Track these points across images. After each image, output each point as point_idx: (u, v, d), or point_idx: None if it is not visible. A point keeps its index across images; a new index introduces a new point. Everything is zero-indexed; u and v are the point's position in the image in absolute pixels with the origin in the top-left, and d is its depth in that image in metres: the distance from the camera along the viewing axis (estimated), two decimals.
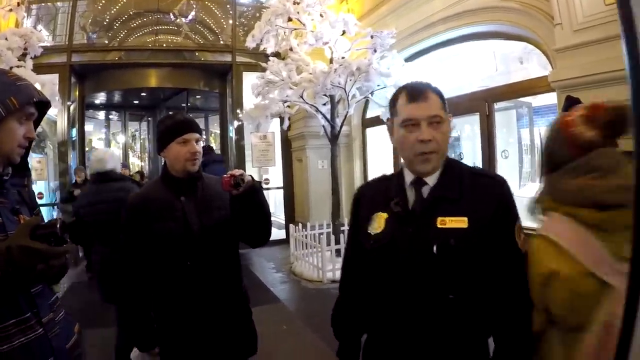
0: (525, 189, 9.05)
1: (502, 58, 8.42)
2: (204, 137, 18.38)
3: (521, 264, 1.98)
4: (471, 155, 9.50)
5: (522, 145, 9.74)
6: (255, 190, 2.68)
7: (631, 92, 1.37)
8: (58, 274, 1.98)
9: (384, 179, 2.31)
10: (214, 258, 2.80)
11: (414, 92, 1.99)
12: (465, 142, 10.18)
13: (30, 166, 2.31)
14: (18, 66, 7.93)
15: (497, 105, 8.17)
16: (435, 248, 1.92)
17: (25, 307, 1.92)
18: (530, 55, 7.65)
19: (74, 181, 9.38)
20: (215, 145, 18.76)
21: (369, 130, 11.36)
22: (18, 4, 8.89)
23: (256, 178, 8.62)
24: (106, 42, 13.37)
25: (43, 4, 12.46)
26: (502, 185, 2.03)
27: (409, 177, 2.08)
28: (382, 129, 9.88)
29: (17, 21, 10.42)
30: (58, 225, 1.79)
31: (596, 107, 2.01)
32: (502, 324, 2.01)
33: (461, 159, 10.16)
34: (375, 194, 2.21)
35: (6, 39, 7.87)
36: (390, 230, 2.04)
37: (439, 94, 2.03)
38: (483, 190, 2.00)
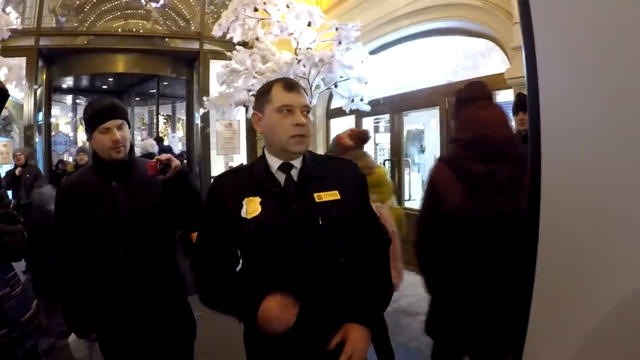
0: None
1: (465, 54, 8.55)
2: (136, 122, 18.17)
3: (377, 220, 2.48)
4: (433, 148, 9.62)
5: None
6: (183, 175, 2.67)
7: (528, 94, 1.54)
8: (15, 251, 2.17)
9: (240, 169, 2.43)
10: (146, 244, 2.77)
11: (290, 83, 2.24)
12: (428, 135, 10.31)
13: None
14: None
15: None
16: (320, 220, 2.15)
17: None
18: (492, 52, 7.79)
19: (13, 165, 9.12)
20: (182, 132, 18.72)
21: (332, 121, 11.41)
22: None
23: (222, 165, 8.71)
24: (75, 25, 13.27)
25: None
26: (355, 166, 2.44)
27: (275, 162, 2.26)
28: (346, 120, 9.98)
29: None
30: (11, 206, 1.97)
31: (353, 130, 4.36)
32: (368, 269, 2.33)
33: (423, 150, 10.31)
34: (238, 183, 2.29)
35: None
36: (270, 210, 2.17)
37: (305, 91, 2.33)
38: (342, 170, 2.35)
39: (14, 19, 8.33)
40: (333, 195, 2.20)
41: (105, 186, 2.72)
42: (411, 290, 7.09)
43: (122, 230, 2.68)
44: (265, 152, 2.30)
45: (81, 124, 20.54)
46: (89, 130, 2.73)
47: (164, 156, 2.59)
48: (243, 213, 2.19)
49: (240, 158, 12.73)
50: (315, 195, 2.19)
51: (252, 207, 2.20)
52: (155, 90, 17.09)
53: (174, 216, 2.80)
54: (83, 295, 2.79)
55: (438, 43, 8.69)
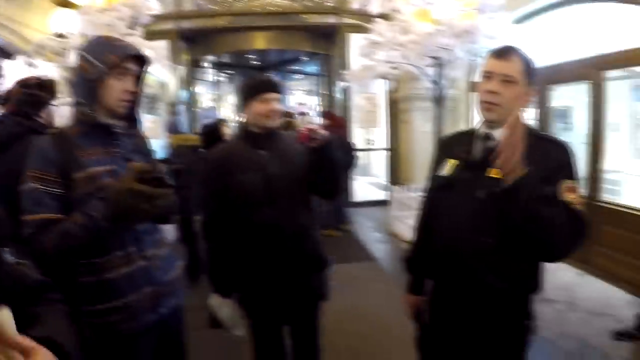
0: (634, 164, 8.66)
1: (618, 23, 7.95)
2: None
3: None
4: (581, 126, 9.11)
5: (636, 119, 9.31)
6: (330, 144, 2.92)
7: None
8: (165, 214, 2.47)
9: (464, 132, 2.65)
10: (291, 207, 3.05)
11: (500, 51, 2.29)
12: (578, 111, 9.76)
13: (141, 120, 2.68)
14: (129, 34, 8.24)
15: (610, 74, 7.75)
16: (482, 194, 2.23)
17: (130, 242, 2.34)
18: None
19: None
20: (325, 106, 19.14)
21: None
22: None
23: (361, 139, 9.16)
24: (214, 7, 13.90)
25: None
26: (564, 150, 2.30)
27: (481, 130, 2.43)
28: None
29: None
30: (160, 170, 2.20)
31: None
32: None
33: (571, 129, 9.81)
34: (453, 143, 2.57)
35: (117, 10, 8.18)
36: (453, 174, 2.39)
37: (526, 62, 2.29)
38: (543, 152, 2.23)
39: (154, 4, 8.72)
40: None
41: (255, 153, 3.05)
42: (547, 276, 6.84)
43: (271, 193, 2.99)
44: None
45: (223, 99, 21.39)
46: (247, 100, 3.05)
47: (314, 126, 2.93)
48: (440, 171, 2.49)
49: (379, 131, 12.83)
50: (493, 170, 2.19)
51: (448, 167, 2.45)
52: (295, 67, 17.93)
53: (315, 182, 3.09)
54: (228, 255, 3.11)
55: (588, 10, 8.12)
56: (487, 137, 2.37)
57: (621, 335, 5.05)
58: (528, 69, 2.28)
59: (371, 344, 4.98)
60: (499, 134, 2.27)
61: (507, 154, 1.95)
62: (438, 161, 2.57)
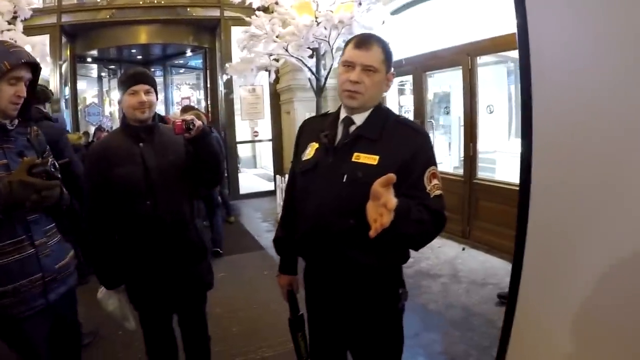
0: (510, 143, 9.10)
1: (489, 11, 8.33)
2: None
3: (426, 202, 2.19)
4: (458, 110, 9.51)
5: (512, 101, 9.76)
6: (205, 134, 2.98)
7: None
8: (55, 205, 2.49)
9: (324, 115, 2.75)
10: (171, 198, 3.10)
11: (360, 41, 2.31)
12: (454, 96, 10.17)
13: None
14: (8, 30, 7.95)
15: (486, 60, 8.20)
16: (344, 177, 2.28)
17: (21, 231, 2.45)
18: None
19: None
20: (209, 100, 18.89)
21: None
22: None
23: (246, 131, 9.09)
24: (97, 1, 13.46)
25: None
26: (422, 136, 2.37)
27: (342, 114, 2.46)
28: None
29: None
30: (49, 164, 2.33)
31: None
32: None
33: (447, 113, 10.19)
34: (314, 127, 2.59)
35: None
36: (316, 157, 2.44)
37: (385, 50, 2.32)
38: (403, 137, 2.32)
39: None
40: (371, 159, 2.26)
41: (134, 146, 3.07)
42: (432, 253, 7.20)
43: (151, 185, 3.03)
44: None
45: (107, 95, 20.86)
46: (121, 93, 3.08)
47: (188, 117, 2.91)
48: (303, 155, 2.53)
49: (264, 123, 12.84)
50: (355, 154, 2.30)
51: (310, 151, 2.50)
52: (180, 61, 17.85)
53: (195, 172, 3.15)
54: (112, 248, 3.14)
55: (462, 0, 8.44)
56: (350, 122, 2.40)
57: (505, 299, 5.34)
58: (387, 55, 2.32)
59: (262, 328, 5.09)
60: (360, 120, 2.38)
61: (374, 215, 1.88)
62: (302, 144, 2.63)
